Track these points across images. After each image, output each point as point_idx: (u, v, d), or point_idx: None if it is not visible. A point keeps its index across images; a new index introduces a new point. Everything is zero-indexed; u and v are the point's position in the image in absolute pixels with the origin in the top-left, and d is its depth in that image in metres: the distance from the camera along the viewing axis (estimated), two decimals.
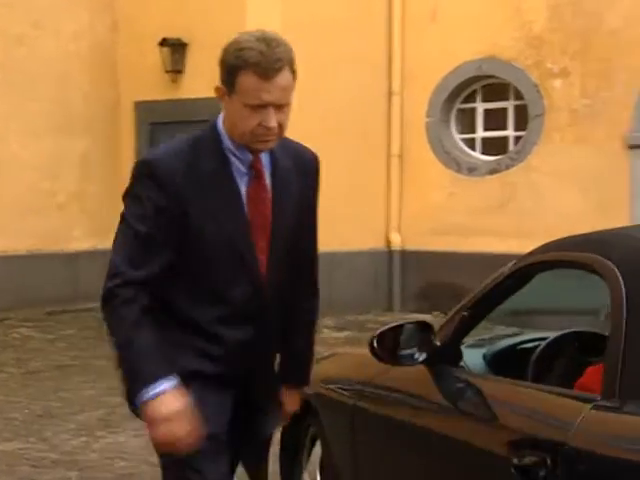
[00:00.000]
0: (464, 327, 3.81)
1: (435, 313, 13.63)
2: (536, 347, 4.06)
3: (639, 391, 2.95)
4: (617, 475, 2.86)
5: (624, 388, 2.96)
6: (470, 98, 13.97)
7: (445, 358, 3.79)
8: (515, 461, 3.10)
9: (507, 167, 13.30)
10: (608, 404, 2.98)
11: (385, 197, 14.20)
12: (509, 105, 13.64)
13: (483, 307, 3.80)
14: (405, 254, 14.18)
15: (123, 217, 3.25)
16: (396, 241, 14.26)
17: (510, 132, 13.59)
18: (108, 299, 3.18)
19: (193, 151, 3.22)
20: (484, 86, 13.82)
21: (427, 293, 13.92)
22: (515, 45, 13.25)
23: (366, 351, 3.81)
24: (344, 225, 13.05)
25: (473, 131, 13.93)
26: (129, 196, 3.25)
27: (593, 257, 3.31)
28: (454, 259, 13.56)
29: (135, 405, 3.18)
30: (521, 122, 13.37)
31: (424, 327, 3.80)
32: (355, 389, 4.34)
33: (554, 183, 12.84)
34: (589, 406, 3.01)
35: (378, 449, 4.18)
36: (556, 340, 4.05)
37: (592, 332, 4.20)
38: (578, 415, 3.00)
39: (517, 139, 13.46)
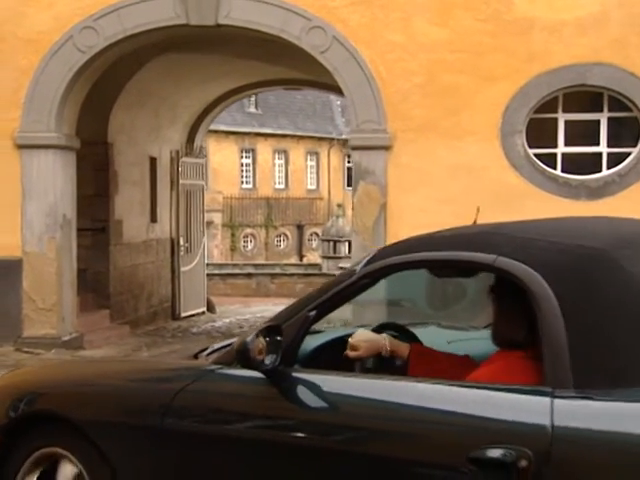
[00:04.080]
0: (308, 327, 3.90)
1: None
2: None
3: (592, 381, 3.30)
4: None
5: (577, 379, 3.29)
6: None
7: (289, 360, 3.84)
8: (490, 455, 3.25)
9: None
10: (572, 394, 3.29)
11: None
12: None
13: (330, 306, 3.91)
14: None
15: None
16: None
17: None
18: None
19: None
20: None
21: None
22: None
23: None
24: None
25: None
26: None
27: (503, 260, 3.56)
28: None
29: None
30: None
31: (273, 330, 3.80)
32: (158, 406, 4.03)
33: None
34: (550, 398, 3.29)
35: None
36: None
37: (394, 324, 4.67)
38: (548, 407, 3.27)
39: None
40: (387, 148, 11.77)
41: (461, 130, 11.67)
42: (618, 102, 11.60)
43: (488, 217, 11.85)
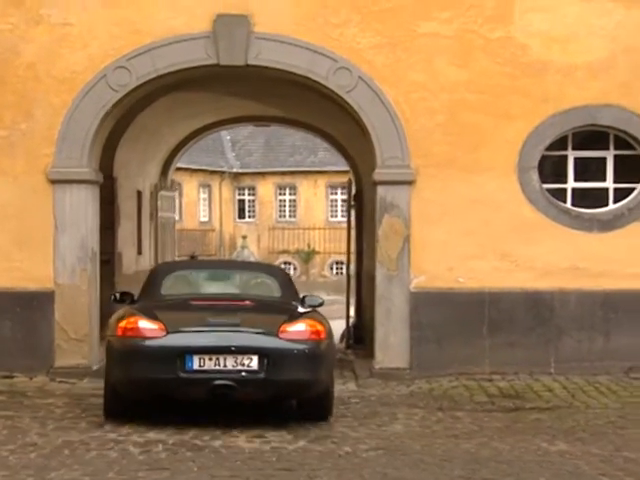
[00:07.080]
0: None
1: None
2: None
3: None
4: None
5: None
6: None
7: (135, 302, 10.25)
8: None
9: None
10: None
11: None
12: None
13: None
14: None
15: None
16: None
17: None
18: None
19: None
20: None
21: None
22: None
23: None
24: None
25: None
26: None
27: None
28: None
29: None
30: None
31: (128, 293, 10.42)
32: None
33: None
34: None
35: None
36: None
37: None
38: None
39: None
40: (410, 183, 12.42)
41: (480, 166, 12.43)
42: (623, 141, 12.55)
43: (506, 248, 12.53)
